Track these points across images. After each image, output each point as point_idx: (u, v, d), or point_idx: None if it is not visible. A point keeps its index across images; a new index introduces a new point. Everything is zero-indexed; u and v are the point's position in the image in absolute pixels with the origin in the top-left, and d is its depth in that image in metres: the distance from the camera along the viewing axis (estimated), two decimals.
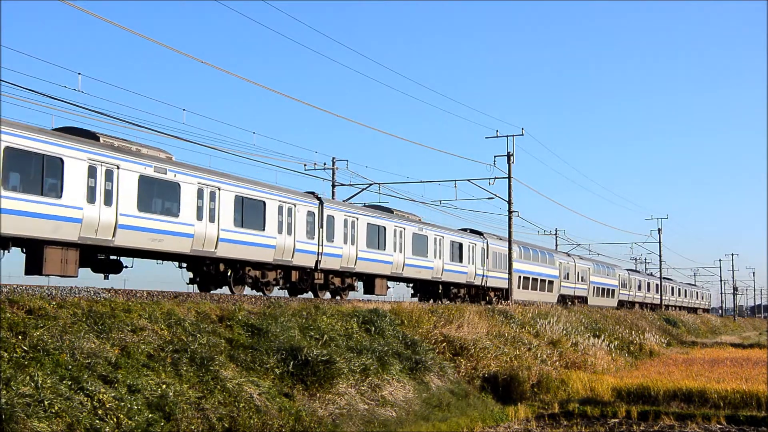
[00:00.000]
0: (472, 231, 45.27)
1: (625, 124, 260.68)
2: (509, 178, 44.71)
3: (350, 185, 46.53)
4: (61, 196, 19.62)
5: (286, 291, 29.64)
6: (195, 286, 25.80)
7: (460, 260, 40.84)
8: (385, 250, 33.67)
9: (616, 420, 24.07)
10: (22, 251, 19.98)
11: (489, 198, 45.27)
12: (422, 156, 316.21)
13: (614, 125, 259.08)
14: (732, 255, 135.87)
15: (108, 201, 20.86)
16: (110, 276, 23.42)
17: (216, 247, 24.36)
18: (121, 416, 13.17)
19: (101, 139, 21.48)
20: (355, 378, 19.99)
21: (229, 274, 25.86)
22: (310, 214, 28.97)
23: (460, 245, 40.94)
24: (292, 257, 27.82)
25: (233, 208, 25.09)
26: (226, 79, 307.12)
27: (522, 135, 44.75)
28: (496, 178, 44.31)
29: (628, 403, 25.67)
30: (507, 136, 44.73)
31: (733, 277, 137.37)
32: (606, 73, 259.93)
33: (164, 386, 14.73)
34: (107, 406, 13.17)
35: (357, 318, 24.32)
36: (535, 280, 51.16)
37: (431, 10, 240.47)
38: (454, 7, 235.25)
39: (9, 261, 21.03)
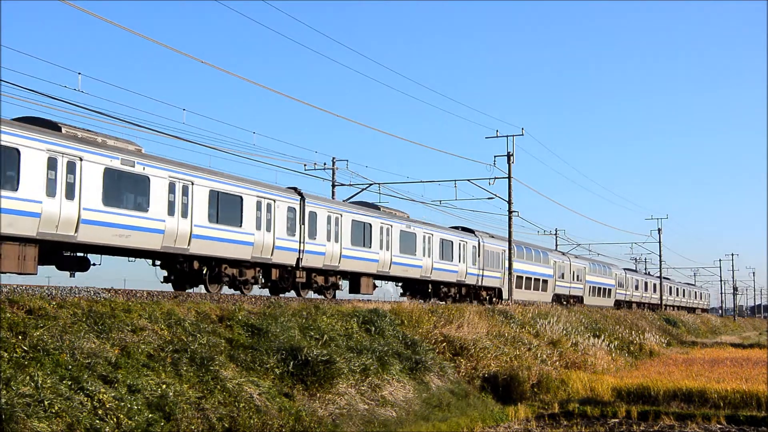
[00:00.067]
0: (464, 229, 44.26)
1: (625, 124, 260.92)
2: (509, 178, 44.72)
3: (350, 185, 46.53)
4: (17, 189, 18.71)
5: (267, 290, 28.81)
6: (170, 285, 24.83)
7: (451, 259, 39.84)
8: (371, 247, 32.73)
9: (616, 420, 24.08)
10: None
11: (489, 198, 45.20)
12: (422, 156, 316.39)
13: (614, 125, 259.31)
14: (732, 255, 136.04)
15: (70, 194, 19.92)
16: (77, 274, 22.48)
17: (189, 244, 23.42)
18: (121, 416, 13.17)
19: (63, 129, 20.59)
20: (355, 378, 19.99)
21: (204, 272, 24.90)
22: (291, 209, 28.05)
23: (451, 243, 39.95)
24: (272, 255, 26.93)
25: (208, 203, 24.14)
26: (226, 79, 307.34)
27: (522, 135, 44.74)
28: (496, 178, 44.28)
29: (628, 403, 25.67)
30: (507, 136, 44.74)
31: (733, 277, 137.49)
32: (606, 73, 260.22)
33: (164, 386, 14.74)
34: (107, 406, 13.17)
35: (357, 318, 24.33)
36: (528, 279, 50.18)
37: (431, 10, 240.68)
38: (454, 7, 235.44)
39: None
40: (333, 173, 47.38)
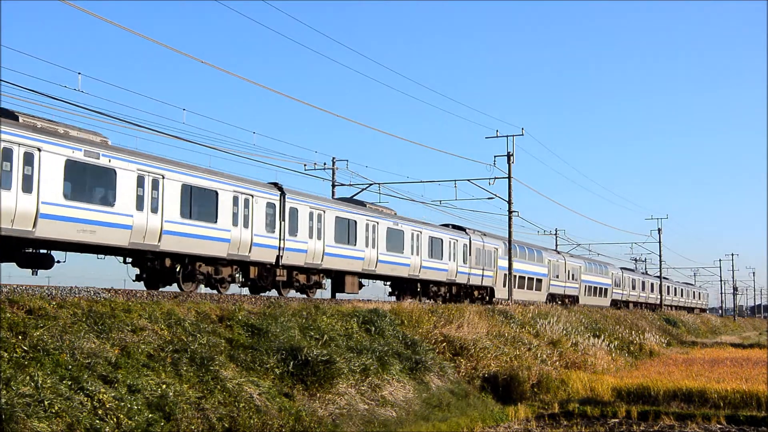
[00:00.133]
0: (455, 226, 43.36)
1: (625, 124, 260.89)
2: (509, 178, 44.73)
3: (350, 185, 46.51)
4: None
5: (248, 289, 27.96)
6: (142, 283, 23.92)
7: (441, 257, 38.80)
8: (355, 245, 31.71)
9: (616, 420, 24.08)
10: None
11: (489, 198, 45.13)
12: (422, 156, 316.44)
13: (614, 125, 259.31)
14: (732, 255, 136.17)
15: (27, 188, 18.84)
16: (39, 272, 21.42)
17: (159, 241, 22.41)
18: (121, 416, 13.18)
19: (21, 118, 19.65)
20: (355, 378, 19.99)
21: (177, 270, 23.83)
22: (271, 205, 27.01)
23: (441, 241, 38.94)
24: (250, 252, 25.90)
25: (180, 198, 23.11)
26: (226, 79, 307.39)
27: (522, 135, 44.74)
28: (496, 178, 44.25)
29: (628, 403, 25.68)
30: (507, 136, 44.72)
31: (733, 277, 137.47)
32: (606, 73, 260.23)
33: (164, 386, 14.74)
34: (107, 406, 13.18)
35: (357, 318, 24.33)
36: (522, 278, 49.29)
37: (431, 10, 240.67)
38: (454, 7, 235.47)
39: None
40: (333, 173, 47.41)
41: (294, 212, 28.23)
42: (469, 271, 41.88)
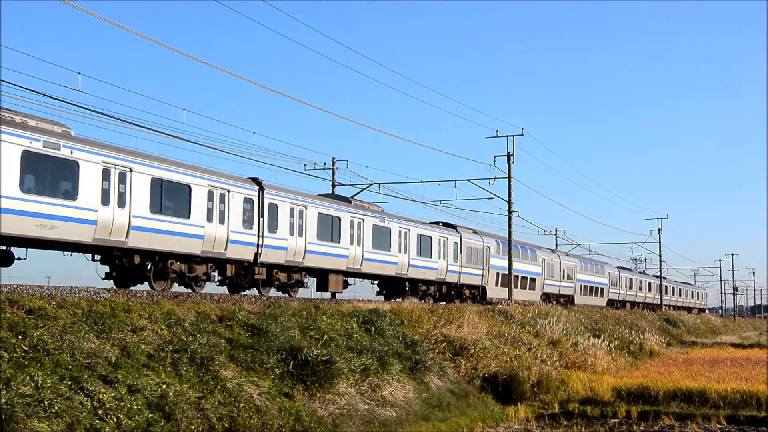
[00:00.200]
0: (445, 224, 42.52)
1: (625, 124, 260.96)
2: (509, 178, 44.72)
3: (350, 185, 46.50)
4: None
5: (226, 288, 26.88)
6: (112, 282, 22.92)
7: (430, 255, 37.75)
8: (339, 242, 30.71)
9: (616, 420, 24.08)
10: None
11: (489, 198, 45.03)
12: (422, 156, 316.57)
13: (614, 125, 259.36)
14: (732, 255, 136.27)
15: None
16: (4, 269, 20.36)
17: (127, 237, 21.36)
18: (121, 416, 13.18)
19: None
20: (355, 378, 19.99)
21: (148, 267, 22.82)
22: (248, 201, 26.00)
23: (430, 239, 37.89)
24: (226, 249, 24.86)
25: (149, 192, 22.05)
26: (226, 79, 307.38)
27: (522, 135, 44.71)
28: (496, 178, 44.19)
29: (628, 403, 25.68)
30: (507, 136, 44.68)
31: (733, 277, 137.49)
32: (606, 73, 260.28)
33: (164, 386, 14.74)
34: (107, 406, 13.18)
35: (357, 318, 24.34)
36: (515, 277, 48.02)
37: (432, 11, 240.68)
38: (454, 7, 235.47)
39: None
40: (333, 173, 47.42)
41: (273, 208, 27.28)
42: (459, 270, 40.97)
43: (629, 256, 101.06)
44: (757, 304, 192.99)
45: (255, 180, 27.08)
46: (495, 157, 44.44)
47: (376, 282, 36.94)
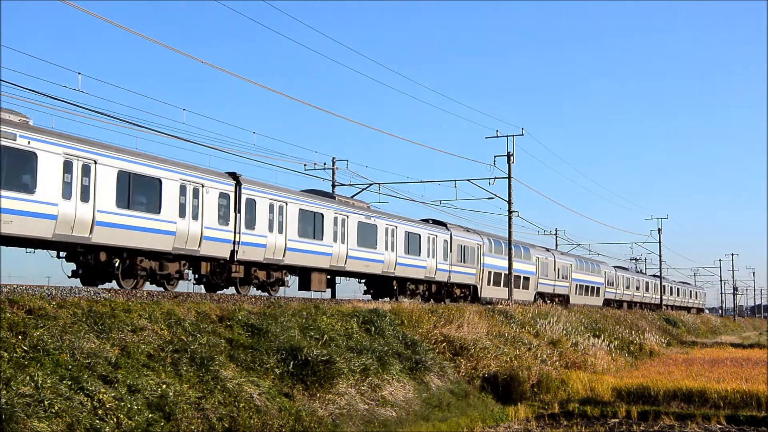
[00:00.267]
0: (435, 221, 41.55)
1: (625, 124, 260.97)
2: (509, 178, 44.74)
3: (350, 185, 46.49)
4: None
5: (203, 287, 25.93)
6: (78, 280, 21.94)
7: (418, 253, 36.65)
8: (322, 240, 29.58)
9: (616, 420, 24.09)
10: None
11: (489, 198, 45.04)
12: (422, 156, 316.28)
13: (614, 125, 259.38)
14: (732, 255, 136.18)
15: None
16: None
17: (91, 233, 20.34)
18: (121, 416, 13.18)
19: None
20: (355, 378, 20.00)
21: (116, 264, 21.83)
22: (224, 196, 24.96)
23: (418, 236, 36.77)
24: (199, 246, 23.83)
25: (116, 186, 21.07)
26: (226, 79, 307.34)
27: (522, 135, 44.75)
28: (496, 178, 44.20)
29: (628, 403, 25.69)
30: (507, 136, 44.70)
31: (733, 277, 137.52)
32: (606, 72, 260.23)
33: (164, 386, 14.74)
34: (107, 406, 13.18)
35: (357, 318, 24.35)
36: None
37: (432, 11, 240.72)
38: (454, 7, 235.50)
39: None
40: (333, 173, 47.41)
41: (251, 203, 26.23)
42: (449, 269, 39.86)
43: (629, 256, 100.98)
44: (757, 304, 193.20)
45: (232, 174, 26.08)
46: (495, 157, 44.49)
47: (362, 281, 36.13)
